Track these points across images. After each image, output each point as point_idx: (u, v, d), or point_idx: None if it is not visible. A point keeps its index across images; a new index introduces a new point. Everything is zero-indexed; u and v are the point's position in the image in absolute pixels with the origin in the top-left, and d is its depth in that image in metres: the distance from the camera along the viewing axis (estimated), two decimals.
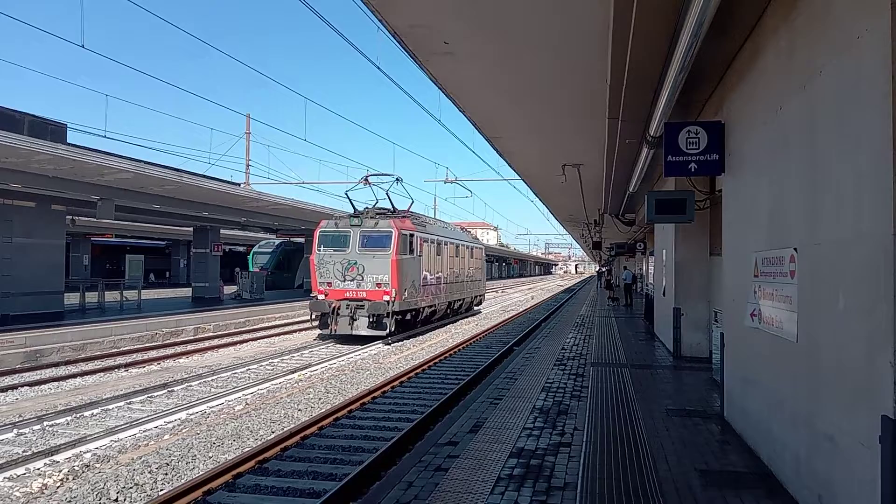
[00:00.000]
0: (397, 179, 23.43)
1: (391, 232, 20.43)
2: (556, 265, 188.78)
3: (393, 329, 20.27)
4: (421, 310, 22.89)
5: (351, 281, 20.25)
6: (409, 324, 22.25)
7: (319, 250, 20.86)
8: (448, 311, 27.26)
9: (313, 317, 21.04)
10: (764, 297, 5.61)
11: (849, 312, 3.83)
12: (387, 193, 24.03)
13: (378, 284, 20.08)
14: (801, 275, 4.65)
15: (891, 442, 3.16)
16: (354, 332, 19.83)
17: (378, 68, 14.88)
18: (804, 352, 4.59)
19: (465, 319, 29.54)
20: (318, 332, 21.26)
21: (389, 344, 20.12)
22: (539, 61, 7.84)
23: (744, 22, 5.82)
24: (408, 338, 21.74)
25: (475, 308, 34.10)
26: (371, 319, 19.72)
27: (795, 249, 4.75)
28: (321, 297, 20.37)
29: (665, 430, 7.06)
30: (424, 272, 22.84)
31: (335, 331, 20.01)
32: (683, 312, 12.24)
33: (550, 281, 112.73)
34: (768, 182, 5.60)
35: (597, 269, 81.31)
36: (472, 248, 32.49)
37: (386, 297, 19.89)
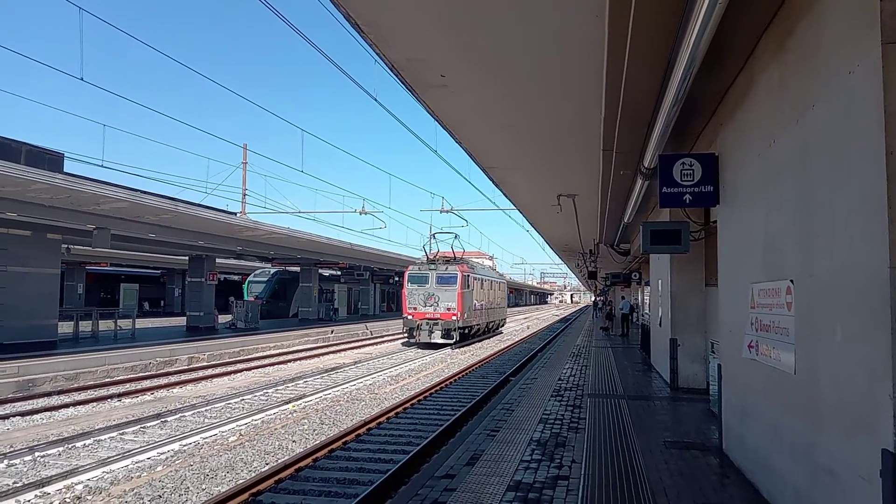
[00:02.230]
0: (455, 236, 33.35)
1: (457, 273, 29.84)
2: (551, 294, 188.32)
3: (458, 339, 29.65)
4: (472, 327, 32.50)
5: (430, 306, 29.38)
6: (466, 336, 31.54)
7: (409, 285, 30.21)
8: (486, 329, 36.99)
9: (404, 330, 30.38)
10: (761, 328, 5.61)
11: (847, 345, 3.84)
12: (451, 246, 32.80)
13: (448, 308, 29.27)
14: (798, 306, 4.66)
15: (891, 476, 3.14)
16: (432, 341, 29.03)
17: (375, 100, 15.03)
18: (803, 384, 4.58)
19: (494, 338, 37.26)
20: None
21: (454, 349, 28.85)
22: (534, 94, 7.93)
23: (736, 57, 5.91)
24: (465, 346, 30.39)
25: (500, 330, 43.36)
26: (443, 332, 29.11)
27: (792, 281, 4.77)
28: (409, 317, 29.72)
29: (664, 463, 7.00)
30: (474, 301, 32.27)
31: (419, 339, 29.30)
32: (680, 343, 12.21)
33: (546, 310, 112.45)
34: (763, 214, 5.63)
35: (592, 298, 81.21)
36: (499, 283, 43.18)
37: (453, 317, 29.23)
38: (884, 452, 3.24)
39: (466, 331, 31.17)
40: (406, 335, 30.46)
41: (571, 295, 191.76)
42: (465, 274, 30.50)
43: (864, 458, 3.50)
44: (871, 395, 3.44)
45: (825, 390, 4.17)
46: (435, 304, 29.30)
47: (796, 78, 4.65)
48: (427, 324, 29.17)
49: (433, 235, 33.94)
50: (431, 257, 31.76)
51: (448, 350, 28.45)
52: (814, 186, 4.36)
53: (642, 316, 24.05)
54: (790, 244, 4.88)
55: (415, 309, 29.64)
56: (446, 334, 29.07)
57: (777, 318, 5.12)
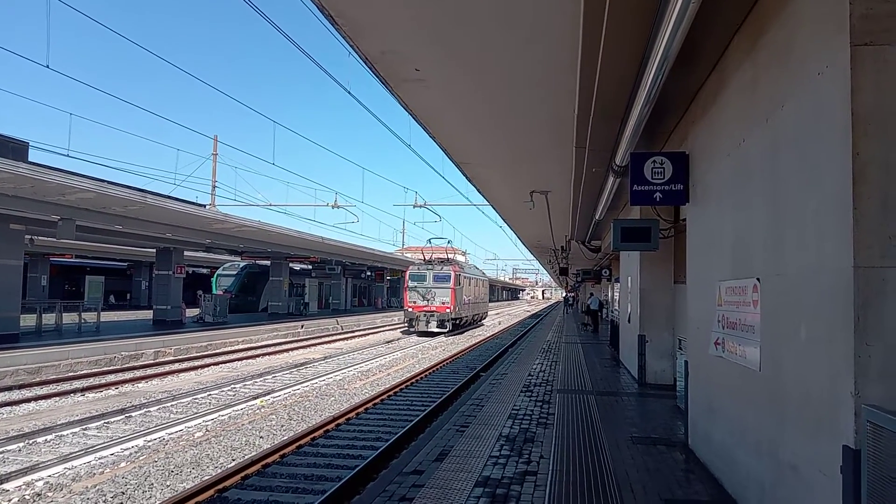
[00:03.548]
0: (448, 241, 39.02)
1: (450, 273, 35.46)
2: (523, 290, 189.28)
3: (451, 328, 35.21)
4: (462, 318, 38.05)
5: (428, 301, 34.82)
6: (458, 326, 37.15)
7: (410, 282, 35.95)
8: (472, 320, 42.54)
9: (405, 320, 36.30)
10: (728, 325, 5.68)
11: (811, 343, 3.89)
12: (445, 250, 37.76)
13: (443, 302, 34.77)
14: (764, 304, 4.71)
15: (852, 472, 3.19)
16: (428, 329, 34.32)
17: (349, 93, 14.85)
18: (767, 381, 4.64)
19: (476, 329, 41.79)
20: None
21: (448, 336, 33.62)
22: (509, 90, 7.92)
23: (709, 56, 5.96)
24: (457, 334, 35.51)
25: (483, 322, 49.03)
26: (438, 322, 34.68)
27: (758, 279, 4.83)
28: (410, 310, 35.36)
29: (630, 459, 7.07)
30: (464, 296, 37.70)
31: (418, 329, 34.66)
32: (648, 339, 12.34)
33: (518, 306, 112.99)
34: (731, 213, 5.70)
35: (563, 294, 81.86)
36: (483, 281, 49.34)
37: (447, 310, 34.69)
38: (845, 449, 3.29)
39: (458, 321, 36.63)
40: (406, 325, 36.31)
41: (543, 291, 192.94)
42: (457, 273, 36.15)
43: (826, 454, 3.55)
44: (833, 392, 3.49)
45: (789, 387, 4.23)
46: (432, 299, 34.79)
47: (767, 77, 4.70)
48: (425, 315, 34.71)
49: (429, 240, 38.87)
50: (428, 259, 37.49)
51: (421, 345, 28.66)
52: (782, 186, 4.41)
53: (612, 312, 24.29)
54: (758, 243, 4.93)
55: (414, 303, 35.30)
56: (441, 324, 34.55)
57: (743, 316, 5.19)
